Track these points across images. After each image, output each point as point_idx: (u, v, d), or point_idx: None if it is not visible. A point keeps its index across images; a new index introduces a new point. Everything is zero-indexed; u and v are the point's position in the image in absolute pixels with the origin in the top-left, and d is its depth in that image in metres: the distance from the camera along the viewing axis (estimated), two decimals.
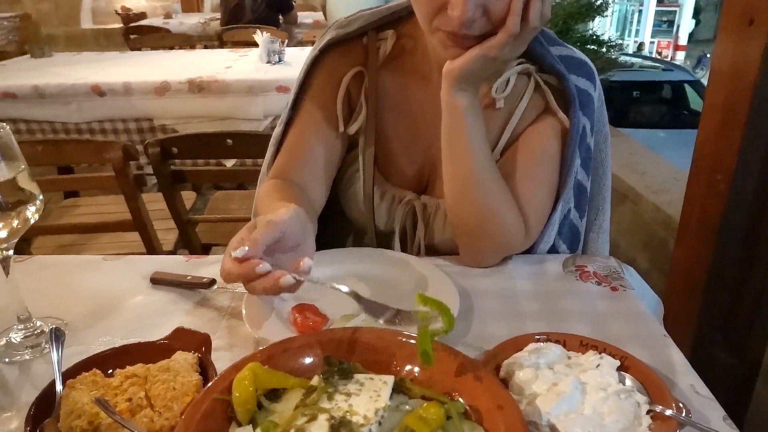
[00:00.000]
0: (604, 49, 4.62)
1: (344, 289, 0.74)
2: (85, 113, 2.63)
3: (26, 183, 0.74)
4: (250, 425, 0.56)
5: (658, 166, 2.92)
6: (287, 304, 0.87)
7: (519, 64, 0.98)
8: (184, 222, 1.89)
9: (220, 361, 0.72)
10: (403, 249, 1.08)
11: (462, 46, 0.84)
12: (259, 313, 0.83)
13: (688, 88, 7.25)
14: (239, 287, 0.90)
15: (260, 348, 0.76)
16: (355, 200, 1.09)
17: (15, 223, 0.72)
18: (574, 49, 1.01)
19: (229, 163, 2.56)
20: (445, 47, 0.85)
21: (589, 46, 4.40)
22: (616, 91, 6.56)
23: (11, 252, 0.77)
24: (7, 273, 0.78)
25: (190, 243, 1.99)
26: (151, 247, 1.95)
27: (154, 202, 2.02)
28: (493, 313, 0.87)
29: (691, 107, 7.09)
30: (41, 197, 0.76)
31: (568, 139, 0.97)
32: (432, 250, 1.07)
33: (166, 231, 2.11)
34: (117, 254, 1.07)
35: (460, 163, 0.93)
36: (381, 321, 0.68)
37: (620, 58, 4.58)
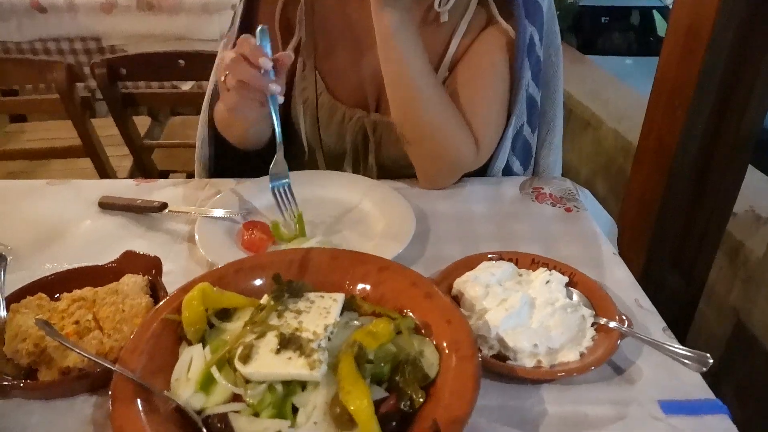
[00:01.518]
0: None
1: None
2: (25, 32, 2.45)
3: None
4: (200, 344, 0.56)
5: (621, 94, 2.93)
6: (237, 227, 0.86)
7: None
8: (137, 147, 1.83)
9: (174, 285, 0.70)
10: (355, 170, 1.07)
11: None
12: (213, 237, 0.82)
13: (656, 14, 7.18)
14: (188, 210, 0.88)
15: None
16: (304, 119, 1.06)
17: None
18: None
19: (186, 86, 2.46)
20: None
21: None
22: (585, 17, 6.46)
23: None
24: None
25: (146, 170, 1.93)
26: (105, 174, 1.89)
27: (107, 127, 1.93)
28: (448, 235, 0.87)
29: (658, 34, 7.04)
30: None
31: (515, 51, 0.95)
32: (384, 171, 1.05)
33: (121, 158, 2.03)
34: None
35: (398, 83, 0.90)
36: None
37: None
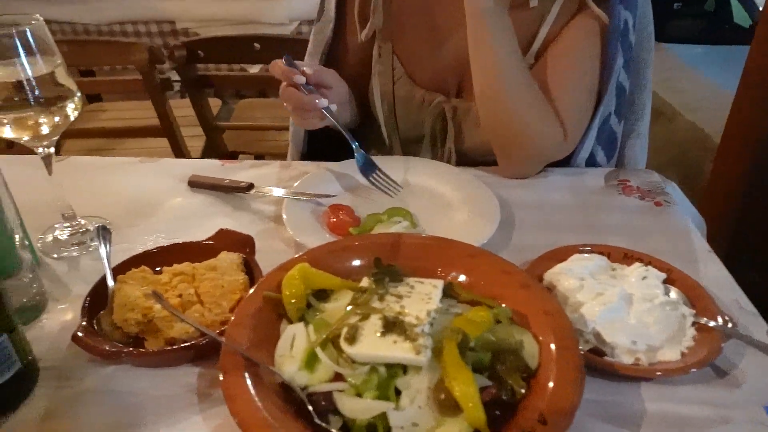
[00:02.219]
0: None
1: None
2: (103, 13, 2.55)
3: (64, 79, 0.72)
4: (302, 323, 0.57)
5: (697, 83, 2.79)
6: (323, 209, 0.87)
7: None
8: (211, 128, 1.88)
9: (263, 263, 0.72)
10: (433, 157, 1.06)
11: None
12: (299, 218, 0.83)
13: (733, 2, 6.78)
14: (275, 191, 0.90)
15: (302, 250, 0.77)
16: (382, 104, 1.06)
17: (56, 119, 0.71)
18: None
19: (254, 69, 2.50)
20: None
21: None
22: (656, 2, 6.19)
23: (53, 149, 0.77)
24: (50, 171, 0.78)
25: (218, 150, 1.99)
26: (180, 153, 1.96)
27: (177, 109, 2.00)
28: (532, 224, 0.86)
29: (734, 22, 6.65)
30: (79, 94, 0.74)
31: (608, 36, 0.91)
32: (463, 158, 1.04)
33: (192, 138, 2.10)
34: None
35: (486, 68, 0.89)
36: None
37: None
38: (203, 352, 0.61)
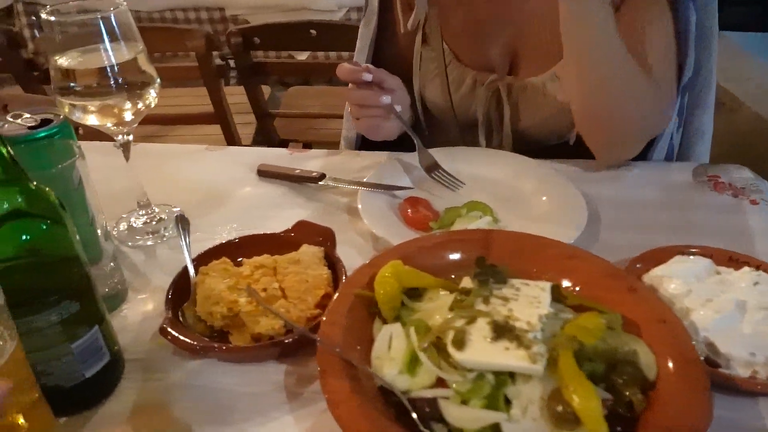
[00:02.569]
0: None
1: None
2: (156, 1, 2.56)
3: (146, 64, 0.71)
4: (398, 323, 0.55)
5: (762, 72, 2.65)
6: (398, 200, 0.84)
7: None
8: (263, 115, 1.87)
9: (341, 256, 0.70)
10: (489, 139, 1.03)
11: None
12: (376, 210, 0.80)
13: None
14: (348, 182, 0.87)
15: (380, 244, 0.75)
16: (435, 91, 1.03)
17: (139, 105, 0.69)
18: None
19: (301, 56, 2.49)
20: None
21: None
22: None
23: (131, 137, 0.76)
24: (127, 158, 0.77)
25: (269, 138, 1.98)
26: (231, 140, 1.95)
27: (227, 96, 1.99)
28: (619, 222, 0.81)
29: None
30: (159, 80, 0.73)
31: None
32: (520, 140, 1.00)
33: (242, 125, 2.09)
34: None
35: (592, 66, 0.84)
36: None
37: None
38: (290, 349, 0.59)
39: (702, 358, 0.57)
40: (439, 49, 1.00)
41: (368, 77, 0.87)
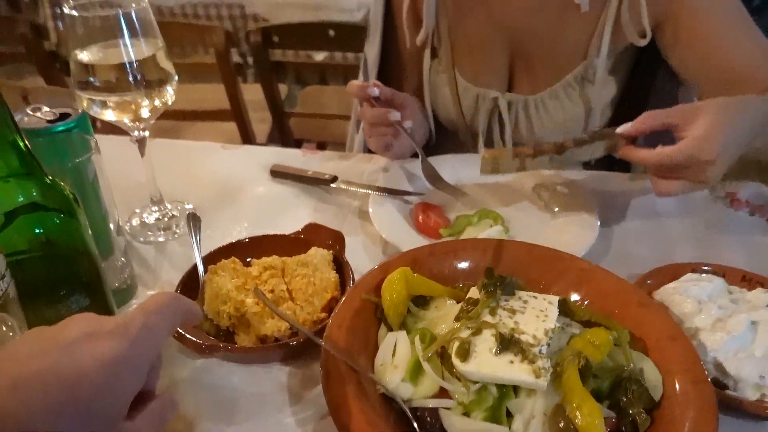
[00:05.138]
0: None
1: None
2: None
3: (164, 61, 0.71)
4: (403, 330, 0.54)
5: None
6: (409, 206, 0.84)
7: None
8: (280, 114, 1.88)
9: (351, 260, 0.70)
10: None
11: None
12: (387, 215, 0.80)
13: None
14: (360, 185, 0.87)
15: (390, 249, 0.75)
16: (444, 102, 1.05)
17: (156, 102, 0.70)
18: None
19: (318, 56, 2.49)
20: None
21: None
22: None
23: (147, 133, 0.76)
24: (142, 153, 0.78)
25: (284, 136, 1.99)
26: (246, 137, 1.96)
27: (244, 93, 2.00)
28: (633, 232, 0.81)
29: None
30: (176, 77, 0.74)
31: None
32: None
33: (258, 122, 2.10)
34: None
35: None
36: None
37: None
38: (295, 351, 0.59)
39: (710, 379, 0.57)
40: (448, 61, 1.01)
41: (375, 92, 0.88)
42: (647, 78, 1.02)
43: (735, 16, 0.87)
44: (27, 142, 0.48)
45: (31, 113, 0.63)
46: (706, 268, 0.67)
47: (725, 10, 0.87)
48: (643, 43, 0.88)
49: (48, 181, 0.51)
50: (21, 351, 0.36)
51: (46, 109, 0.65)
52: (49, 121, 0.60)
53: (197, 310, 0.46)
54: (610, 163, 0.93)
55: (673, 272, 0.67)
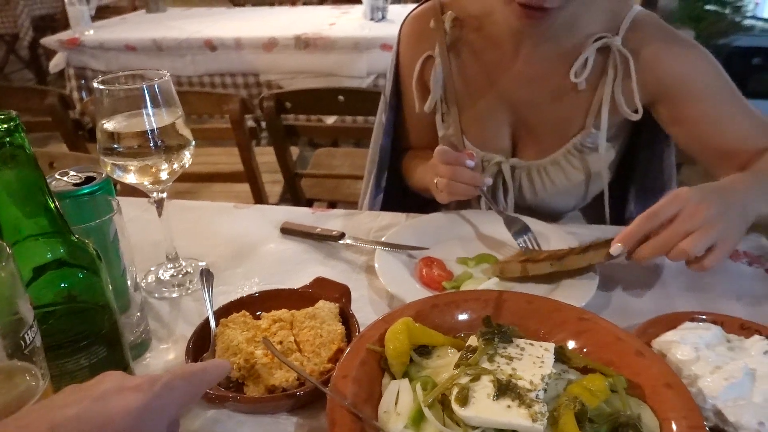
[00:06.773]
0: (726, 11, 4.22)
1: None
2: (198, 66, 2.73)
3: (183, 128, 0.77)
4: (405, 379, 0.56)
5: None
6: (414, 260, 0.87)
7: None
8: (291, 175, 1.94)
9: (357, 313, 0.72)
10: None
11: (535, 18, 0.84)
12: (392, 269, 0.83)
13: None
14: (367, 241, 0.91)
15: (395, 302, 0.77)
16: None
17: (175, 166, 0.75)
18: None
19: (329, 120, 2.59)
20: (518, 18, 0.86)
21: (709, 7, 4.04)
22: (735, 58, 6.00)
23: (165, 194, 0.81)
24: (160, 214, 0.83)
25: (296, 196, 2.05)
26: (259, 198, 2.02)
27: (258, 156, 2.08)
28: (634, 285, 0.82)
29: None
30: (194, 143, 0.79)
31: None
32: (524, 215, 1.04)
33: (271, 184, 2.17)
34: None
35: None
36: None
37: (743, 21, 4.19)
38: (303, 401, 0.61)
39: (710, 426, 0.57)
40: (456, 127, 1.07)
41: (471, 164, 0.91)
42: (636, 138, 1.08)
43: (726, 96, 0.93)
44: (57, 205, 0.53)
45: (59, 177, 0.68)
46: (704, 316, 0.69)
47: (715, 93, 0.93)
48: (636, 118, 0.94)
49: (74, 240, 0.55)
50: (58, 401, 0.42)
51: (72, 173, 0.70)
52: (75, 185, 0.65)
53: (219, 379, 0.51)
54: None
55: (671, 321, 0.68)
